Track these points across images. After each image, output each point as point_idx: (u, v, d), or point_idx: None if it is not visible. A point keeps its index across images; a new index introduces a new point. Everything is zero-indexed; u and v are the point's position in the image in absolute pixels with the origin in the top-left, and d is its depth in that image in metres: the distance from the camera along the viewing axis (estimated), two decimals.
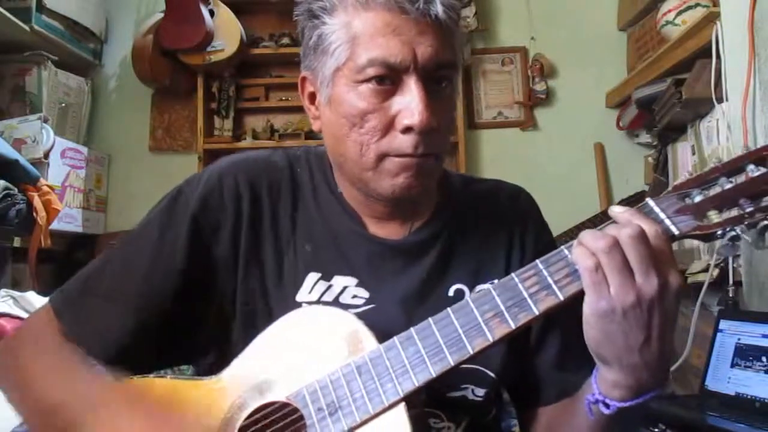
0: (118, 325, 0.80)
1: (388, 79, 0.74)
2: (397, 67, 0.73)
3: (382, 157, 0.76)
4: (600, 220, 2.64)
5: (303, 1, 0.79)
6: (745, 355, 1.47)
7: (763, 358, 1.42)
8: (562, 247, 0.67)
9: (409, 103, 0.73)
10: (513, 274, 0.68)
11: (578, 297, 0.65)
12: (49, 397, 0.76)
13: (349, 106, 0.75)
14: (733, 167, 0.64)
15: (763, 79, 1.60)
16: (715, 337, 1.56)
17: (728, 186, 0.64)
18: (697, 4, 2.07)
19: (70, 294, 0.83)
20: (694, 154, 2.06)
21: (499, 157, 2.85)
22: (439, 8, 0.72)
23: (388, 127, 0.75)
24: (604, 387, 0.68)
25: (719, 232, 0.64)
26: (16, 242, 2.19)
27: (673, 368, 1.65)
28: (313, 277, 0.81)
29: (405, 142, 0.75)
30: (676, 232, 0.65)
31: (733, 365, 1.48)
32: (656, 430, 1.35)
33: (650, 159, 2.57)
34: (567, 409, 0.80)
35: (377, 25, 0.72)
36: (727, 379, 1.48)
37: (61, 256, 2.59)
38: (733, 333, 1.52)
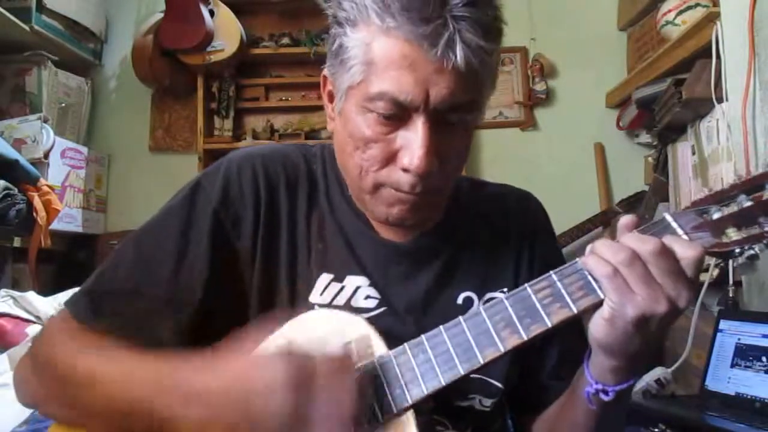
0: (143, 324, 0.77)
1: (396, 116, 0.71)
2: (407, 105, 0.70)
3: (379, 186, 0.76)
4: (600, 220, 2.64)
5: (333, 2, 0.76)
6: (745, 355, 1.47)
7: (763, 358, 1.42)
8: (577, 259, 0.66)
9: (411, 144, 0.71)
10: (526, 285, 0.67)
11: (591, 310, 0.65)
12: (120, 396, 0.68)
13: (355, 128, 0.74)
14: (753, 185, 0.62)
15: (763, 79, 1.60)
16: (715, 337, 1.56)
17: (747, 204, 0.62)
18: (697, 4, 2.07)
19: (92, 298, 0.78)
20: (694, 154, 2.06)
21: (499, 157, 2.85)
22: (459, 54, 0.67)
23: (389, 159, 0.74)
24: (600, 374, 0.68)
25: (737, 250, 0.64)
26: (16, 242, 2.20)
27: (673, 368, 1.65)
28: (325, 278, 0.81)
29: (403, 178, 0.73)
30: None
31: (733, 365, 1.48)
32: (656, 430, 1.35)
33: (650, 159, 2.57)
34: (565, 407, 0.80)
35: (394, 56, 0.69)
36: (727, 379, 1.48)
37: (61, 256, 2.59)
38: (733, 333, 1.52)
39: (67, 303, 0.80)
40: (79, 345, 0.75)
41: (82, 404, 0.72)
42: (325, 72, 0.80)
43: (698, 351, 1.66)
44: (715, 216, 0.64)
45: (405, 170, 0.72)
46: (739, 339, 1.50)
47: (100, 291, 0.79)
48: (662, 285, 0.61)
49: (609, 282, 0.62)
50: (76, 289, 0.81)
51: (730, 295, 1.70)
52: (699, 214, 0.65)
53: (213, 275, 0.78)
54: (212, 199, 0.80)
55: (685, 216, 0.66)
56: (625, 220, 0.67)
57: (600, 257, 0.63)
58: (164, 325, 0.77)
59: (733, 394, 1.45)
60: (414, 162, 0.71)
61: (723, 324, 1.56)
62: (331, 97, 0.81)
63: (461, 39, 0.67)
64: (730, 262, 1.68)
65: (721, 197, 0.64)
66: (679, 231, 0.65)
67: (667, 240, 0.63)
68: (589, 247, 0.66)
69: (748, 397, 1.41)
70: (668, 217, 0.67)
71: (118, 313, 0.77)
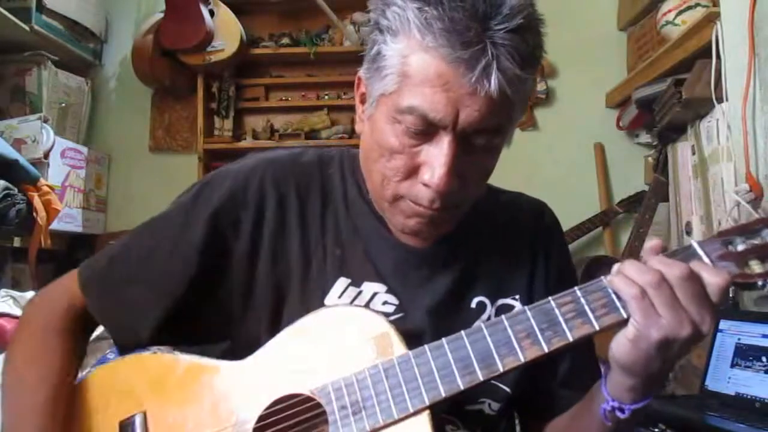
0: (138, 306, 0.84)
1: (423, 131, 0.72)
2: (436, 123, 0.70)
3: (399, 197, 0.76)
4: (600, 220, 2.64)
5: (377, 8, 0.75)
6: (745, 355, 1.47)
7: (763, 358, 1.42)
8: (602, 277, 0.67)
9: (434, 160, 0.71)
10: (550, 298, 0.68)
11: (613, 328, 0.65)
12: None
13: (382, 137, 0.74)
14: None
15: (763, 79, 1.60)
16: (715, 337, 1.56)
17: None
18: (697, 4, 2.07)
19: (96, 271, 0.86)
20: (694, 154, 2.06)
21: (500, 157, 2.84)
22: (494, 81, 0.67)
23: (412, 172, 0.74)
24: (617, 392, 0.69)
25: (760, 283, 0.65)
26: (16, 242, 2.20)
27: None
28: (342, 282, 0.82)
29: (422, 193, 0.74)
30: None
31: (733, 365, 1.48)
32: (656, 430, 1.35)
33: (650, 159, 2.57)
34: (578, 420, 0.80)
35: (429, 73, 0.68)
36: (727, 379, 1.48)
37: (61, 256, 2.60)
38: (733, 333, 1.52)
39: (80, 273, 0.87)
40: (30, 352, 0.83)
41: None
42: (360, 74, 0.80)
43: (698, 351, 1.66)
44: (740, 248, 0.66)
45: (425, 185, 0.73)
46: (739, 339, 1.50)
47: (111, 275, 0.85)
48: (687, 309, 0.62)
49: (636, 303, 0.63)
50: (92, 261, 0.88)
51: (730, 295, 1.70)
52: (724, 244, 0.67)
53: (200, 272, 0.82)
54: (215, 199, 0.82)
55: (711, 244, 0.67)
56: (652, 243, 0.68)
57: (628, 278, 0.64)
58: (149, 313, 0.83)
59: (733, 394, 1.45)
60: (435, 179, 0.71)
61: (723, 324, 1.56)
62: (363, 99, 0.81)
63: (498, 67, 0.67)
64: None
65: (746, 230, 0.67)
66: (705, 258, 0.66)
67: (695, 266, 0.64)
68: (615, 267, 0.66)
69: (748, 397, 1.41)
70: (695, 244, 0.68)
71: (113, 296, 0.85)
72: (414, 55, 0.69)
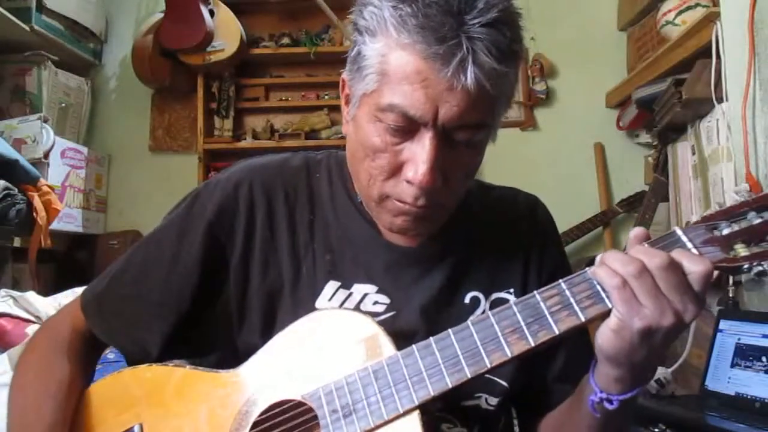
0: (142, 324, 0.85)
1: (404, 128, 0.72)
2: (416, 120, 0.70)
3: (385, 197, 0.76)
4: (600, 220, 2.64)
5: (356, 9, 0.75)
6: (745, 355, 1.47)
7: (763, 358, 1.42)
8: (586, 268, 0.67)
9: (417, 157, 0.71)
10: (535, 292, 0.68)
11: (599, 319, 0.66)
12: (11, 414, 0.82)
13: (365, 137, 0.75)
14: (763, 203, 0.64)
15: (763, 79, 1.60)
16: (715, 337, 1.56)
17: (757, 221, 0.64)
18: (697, 4, 2.07)
19: (95, 293, 0.88)
20: (694, 154, 2.06)
21: (499, 157, 2.82)
22: (470, 75, 0.67)
23: (395, 170, 0.74)
24: (605, 383, 0.69)
25: (746, 267, 0.65)
26: (16, 242, 2.20)
27: (673, 368, 1.65)
28: (332, 285, 0.82)
29: (407, 191, 0.74)
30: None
31: (733, 365, 1.49)
32: (656, 430, 1.35)
33: (650, 159, 2.57)
34: (569, 413, 0.80)
35: (407, 71, 0.69)
36: (727, 379, 1.48)
37: (61, 256, 2.60)
38: (733, 333, 1.53)
39: (83, 295, 0.89)
40: (36, 372, 0.84)
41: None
42: (344, 75, 0.80)
43: (698, 351, 1.66)
44: (725, 232, 0.65)
45: (409, 182, 0.73)
46: (739, 339, 1.50)
47: (110, 296, 0.87)
48: (669, 298, 0.62)
49: (617, 293, 0.63)
50: (93, 283, 0.90)
51: (730, 295, 1.70)
52: (709, 229, 0.66)
53: (202, 284, 0.82)
54: (208, 210, 0.83)
55: (695, 230, 0.67)
56: (636, 231, 0.68)
57: (609, 268, 0.64)
58: (153, 327, 0.84)
59: (733, 394, 1.45)
60: (418, 175, 0.71)
61: (723, 324, 1.56)
62: (348, 100, 0.81)
63: (474, 61, 0.67)
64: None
65: (732, 213, 0.66)
66: (689, 245, 0.66)
67: (676, 254, 0.64)
68: (599, 258, 0.66)
69: (748, 397, 1.41)
70: (678, 231, 0.67)
71: (115, 317, 0.87)
72: (392, 53, 0.70)
